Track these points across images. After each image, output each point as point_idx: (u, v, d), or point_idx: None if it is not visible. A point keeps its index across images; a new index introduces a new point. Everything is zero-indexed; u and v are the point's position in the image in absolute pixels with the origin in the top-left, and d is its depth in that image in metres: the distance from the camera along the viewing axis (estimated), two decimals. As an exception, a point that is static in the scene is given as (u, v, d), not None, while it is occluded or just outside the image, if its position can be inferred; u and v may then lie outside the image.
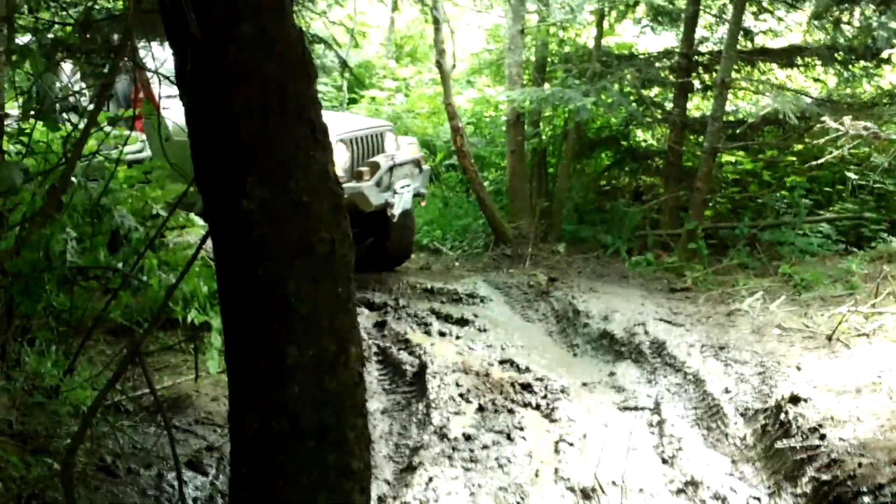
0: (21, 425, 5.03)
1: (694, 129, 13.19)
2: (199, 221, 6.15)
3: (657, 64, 13.37)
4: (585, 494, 5.57)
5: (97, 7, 5.10)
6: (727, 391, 6.98)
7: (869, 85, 13.03)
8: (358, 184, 9.36)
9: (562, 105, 12.74)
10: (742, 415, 6.62)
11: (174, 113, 6.23)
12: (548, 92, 12.45)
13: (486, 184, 13.89)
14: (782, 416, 6.13)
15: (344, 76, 13.09)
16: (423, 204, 11.33)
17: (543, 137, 14.63)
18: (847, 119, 8.52)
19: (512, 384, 7.29)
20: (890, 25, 10.72)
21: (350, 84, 16.77)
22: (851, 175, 12.77)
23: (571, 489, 5.61)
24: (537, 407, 6.97)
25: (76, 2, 5.53)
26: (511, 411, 6.81)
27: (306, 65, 3.22)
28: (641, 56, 13.80)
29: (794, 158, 13.46)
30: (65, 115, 5.22)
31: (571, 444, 6.29)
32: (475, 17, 17.45)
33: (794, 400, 6.22)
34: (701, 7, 12.86)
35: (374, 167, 9.54)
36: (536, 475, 5.82)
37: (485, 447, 6.14)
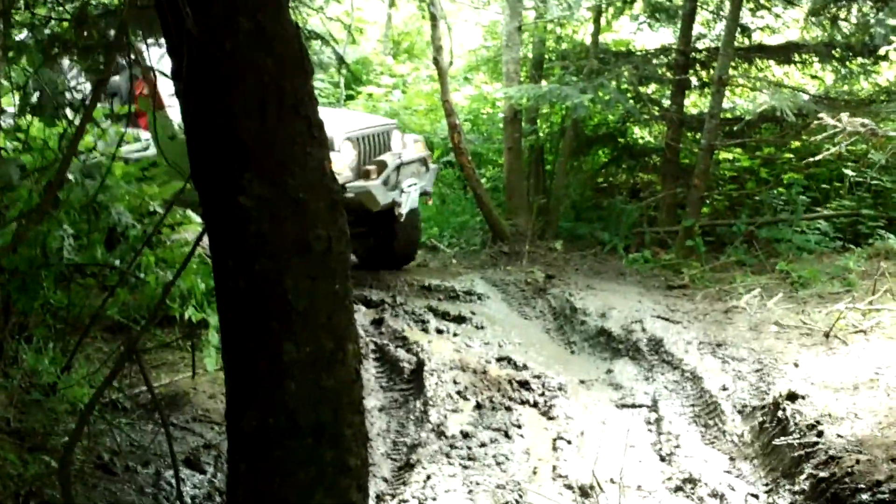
0: (18, 423, 5.03)
1: (691, 126, 13.18)
2: (197, 218, 6.14)
3: (654, 61, 13.36)
4: (583, 492, 5.57)
5: (93, 3, 5.08)
6: (725, 388, 6.98)
7: (866, 82, 13.03)
8: (365, 183, 9.32)
9: (559, 102, 12.71)
10: (740, 412, 6.62)
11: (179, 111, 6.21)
12: (545, 89, 12.44)
13: (483, 181, 13.87)
14: (780, 413, 6.14)
15: (341, 73, 13.03)
16: (429, 203, 11.29)
17: (541, 134, 14.62)
18: (844, 116, 8.51)
19: (509, 381, 7.28)
20: (887, 22, 10.72)
21: (347, 81, 16.73)
22: (849, 172, 12.77)
23: (569, 487, 5.61)
24: (535, 404, 6.97)
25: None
26: (509, 409, 6.81)
27: (303, 61, 3.21)
28: (639, 53, 13.79)
29: (791, 155, 13.46)
30: (61, 111, 5.21)
31: (569, 442, 6.29)
32: (472, 13, 17.43)
33: (792, 397, 6.22)
34: (698, 4, 12.86)
35: (382, 166, 9.51)
36: (534, 473, 5.82)
37: (482, 445, 6.14)
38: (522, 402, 6.99)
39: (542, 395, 7.11)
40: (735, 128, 12.77)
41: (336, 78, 16.09)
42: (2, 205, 5.28)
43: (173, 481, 4.69)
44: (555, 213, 13.67)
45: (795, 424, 5.89)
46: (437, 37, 12.54)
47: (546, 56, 14.52)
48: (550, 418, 6.74)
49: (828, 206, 12.65)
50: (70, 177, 5.09)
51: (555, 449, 6.20)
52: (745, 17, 12.73)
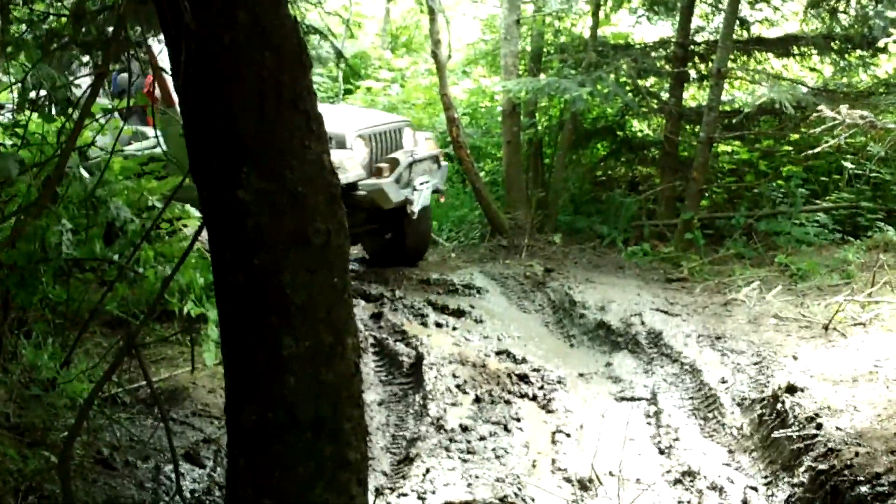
0: (18, 418, 5.03)
1: (690, 118, 13.17)
2: (195, 213, 6.14)
3: (653, 54, 13.35)
4: (582, 485, 5.57)
5: (91, -2, 5.07)
6: (724, 381, 6.98)
7: (865, 74, 13.02)
8: (377, 180, 9.28)
9: (558, 95, 12.70)
10: (739, 405, 6.63)
11: None
12: (544, 82, 12.42)
13: (482, 174, 13.86)
14: (779, 405, 6.14)
15: (339, 67, 13.06)
16: (442, 200, 11.25)
17: (539, 128, 14.60)
18: (843, 108, 8.51)
19: (509, 375, 7.29)
20: (886, 14, 10.70)
21: (346, 75, 16.74)
22: (848, 164, 12.76)
23: (568, 480, 5.62)
24: (534, 398, 6.97)
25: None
26: (508, 402, 6.81)
27: (301, 55, 3.21)
28: (637, 46, 13.78)
29: (790, 148, 13.45)
30: (59, 107, 5.21)
31: (568, 435, 6.29)
32: (471, 6, 17.43)
33: (791, 389, 6.22)
34: (697, -4, 12.86)
35: (394, 163, 9.48)
36: (533, 466, 5.83)
37: (482, 438, 6.14)
38: (522, 396, 6.99)
39: (542, 388, 7.11)
40: (734, 120, 12.76)
41: (334, 72, 16.10)
42: (0, 200, 5.28)
43: (173, 476, 4.70)
44: (553, 206, 13.66)
45: (794, 417, 5.89)
46: (435, 30, 12.53)
47: (544, 49, 14.51)
48: (549, 412, 6.74)
49: (827, 198, 12.64)
50: (69, 171, 5.09)
51: (554, 442, 6.20)
52: (744, 9, 12.72)
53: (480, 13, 17.32)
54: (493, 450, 5.97)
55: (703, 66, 13.18)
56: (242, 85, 3.10)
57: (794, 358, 7.16)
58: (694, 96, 14.57)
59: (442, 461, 5.72)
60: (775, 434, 5.91)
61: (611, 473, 5.69)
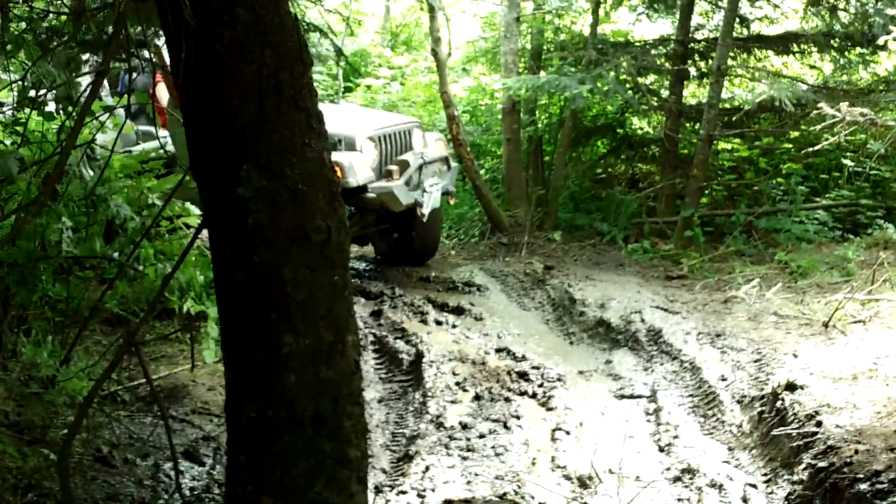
0: (17, 416, 5.03)
1: (690, 116, 13.18)
2: (195, 210, 6.14)
3: (653, 51, 13.35)
4: (582, 482, 5.57)
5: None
6: (723, 379, 6.98)
7: (865, 72, 13.03)
8: (387, 183, 9.22)
9: (557, 93, 12.71)
10: (738, 402, 6.63)
11: None
12: (543, 80, 12.42)
13: (481, 172, 13.86)
14: (779, 403, 6.14)
15: (339, 65, 13.04)
16: (452, 202, 11.17)
17: (539, 125, 14.61)
18: (843, 106, 8.51)
19: (508, 373, 7.29)
20: (886, 12, 10.70)
21: (345, 72, 16.72)
22: (848, 162, 12.77)
23: (568, 477, 5.62)
24: (534, 395, 6.97)
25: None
26: (507, 400, 6.81)
27: (301, 52, 3.21)
28: (637, 43, 13.78)
29: (790, 145, 13.46)
30: (60, 105, 5.21)
31: (568, 433, 6.29)
32: (471, 4, 17.43)
33: (791, 387, 6.22)
34: (696, -6, 12.87)
35: (404, 166, 9.42)
36: (533, 463, 5.83)
37: (481, 436, 6.14)
38: (521, 393, 7.00)
39: (541, 385, 7.11)
40: (734, 118, 12.78)
41: (334, 70, 16.08)
42: (0, 198, 5.28)
43: (172, 474, 4.70)
44: (553, 203, 13.66)
45: (794, 414, 5.89)
46: (435, 28, 12.53)
47: (545, 47, 14.52)
48: (549, 409, 6.74)
49: (827, 195, 12.64)
50: (68, 169, 5.09)
51: (554, 440, 6.20)
52: (744, 7, 12.73)
53: (480, 11, 17.33)
54: (493, 447, 5.97)
55: (702, 64, 13.19)
56: (243, 83, 3.09)
57: (794, 355, 7.16)
58: (694, 94, 14.57)
59: (441, 459, 5.73)
60: (775, 431, 5.91)
61: (610, 471, 5.69)
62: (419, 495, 5.26)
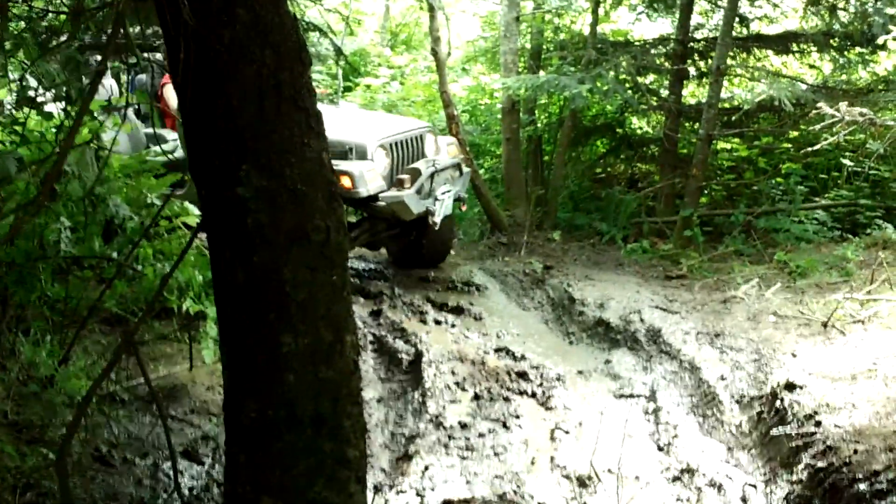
0: (16, 415, 5.03)
1: (689, 116, 13.17)
2: (195, 210, 6.13)
3: (653, 51, 13.34)
4: (581, 482, 5.58)
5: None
6: (723, 378, 6.98)
7: (864, 71, 13.02)
8: (398, 192, 9.06)
9: (557, 92, 12.70)
10: (738, 402, 6.63)
11: None
12: (543, 79, 12.40)
13: (481, 172, 13.85)
14: (778, 403, 6.14)
15: (339, 64, 13.02)
16: (464, 208, 11.06)
17: (539, 125, 14.61)
18: (843, 105, 8.50)
19: (508, 372, 7.29)
20: (886, 11, 10.70)
21: (345, 72, 16.71)
22: (847, 162, 12.77)
23: (567, 477, 5.62)
24: (533, 395, 6.98)
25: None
26: (507, 399, 6.81)
27: (301, 52, 3.21)
28: (637, 43, 13.77)
29: (789, 145, 13.45)
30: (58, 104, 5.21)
31: (567, 432, 6.30)
32: (470, 4, 17.42)
33: (790, 387, 6.23)
34: (696, -7, 12.86)
35: (415, 174, 9.26)
36: (532, 463, 5.83)
37: (481, 435, 6.15)
38: (521, 393, 7.00)
39: (541, 385, 7.12)
40: (733, 118, 12.77)
41: (334, 69, 16.08)
42: (-1, 198, 5.28)
43: (171, 473, 4.70)
44: (553, 203, 13.66)
45: (793, 414, 5.90)
46: (435, 28, 12.51)
47: (544, 46, 14.51)
48: (549, 409, 6.75)
49: (826, 195, 12.63)
50: (67, 169, 5.09)
51: (553, 439, 6.21)
52: (744, 6, 12.71)
53: (480, 10, 17.31)
54: (492, 447, 5.98)
55: (702, 64, 13.18)
56: (242, 83, 3.09)
57: (793, 355, 7.16)
58: (693, 93, 14.57)
59: (441, 458, 5.73)
60: (774, 431, 5.92)
61: (610, 471, 5.69)
62: (418, 495, 5.27)
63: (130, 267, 5.61)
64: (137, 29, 4.47)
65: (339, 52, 9.17)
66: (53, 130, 5.31)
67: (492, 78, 16.10)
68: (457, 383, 6.96)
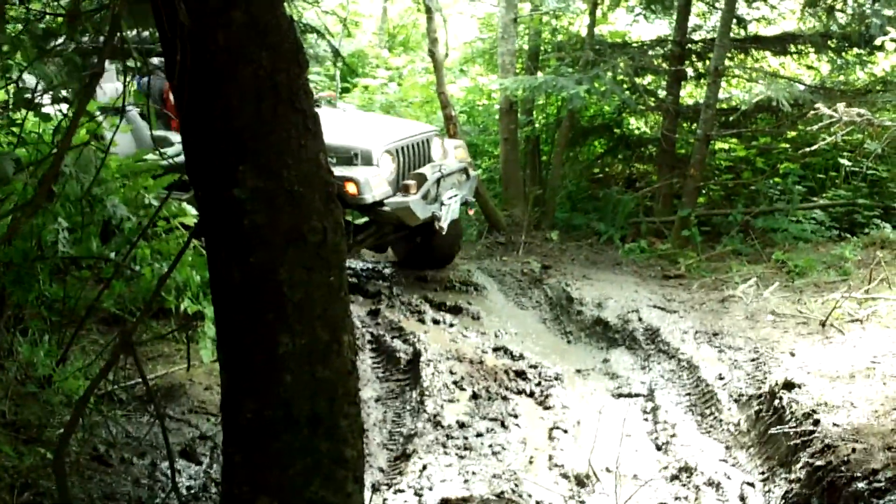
0: (14, 415, 5.04)
1: (687, 116, 13.17)
2: (192, 210, 6.13)
3: (650, 52, 13.34)
4: (579, 481, 5.58)
5: (87, -4, 5.07)
6: (721, 377, 6.99)
7: (862, 72, 13.03)
8: (404, 198, 9.01)
9: (555, 93, 12.72)
10: (736, 401, 6.64)
11: None
12: (541, 80, 12.41)
13: (479, 172, 13.85)
14: (776, 401, 6.15)
15: (336, 65, 13.04)
16: (471, 213, 10.97)
17: (536, 125, 14.61)
18: (841, 106, 8.51)
19: (506, 371, 7.30)
20: (883, 13, 10.71)
21: (343, 73, 16.72)
22: (845, 162, 12.77)
23: (565, 476, 5.63)
24: (531, 394, 6.98)
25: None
26: (505, 399, 6.82)
27: (298, 54, 3.21)
28: (634, 44, 13.77)
29: (787, 145, 13.45)
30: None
31: (565, 431, 6.31)
32: (468, 5, 17.41)
33: (788, 386, 6.23)
34: (694, -6, 12.87)
35: (421, 180, 9.21)
36: (530, 462, 5.84)
37: (479, 434, 6.15)
38: (519, 392, 7.01)
39: (539, 384, 7.12)
40: (731, 118, 12.78)
41: (332, 71, 16.08)
42: (-3, 199, 5.28)
43: (169, 472, 4.70)
44: (551, 203, 13.66)
45: (791, 413, 5.90)
46: (432, 29, 12.52)
47: (542, 48, 14.51)
48: (547, 408, 6.76)
49: (824, 195, 12.64)
50: (65, 170, 5.09)
51: (551, 438, 6.22)
52: (741, 7, 12.71)
53: (477, 12, 17.30)
54: (490, 446, 5.99)
55: (700, 64, 13.18)
56: (239, 84, 3.10)
57: (792, 354, 7.17)
58: (691, 94, 14.57)
59: (439, 457, 5.74)
60: (772, 430, 5.92)
61: (608, 469, 5.70)
62: (416, 494, 5.27)
63: (128, 267, 5.62)
64: (134, 32, 4.47)
65: (336, 53, 9.17)
66: (51, 131, 5.31)
67: (489, 79, 16.11)
68: (455, 382, 6.96)
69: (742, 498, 5.44)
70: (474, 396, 6.79)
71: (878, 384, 6.17)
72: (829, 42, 12.27)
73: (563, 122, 13.74)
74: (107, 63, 4.24)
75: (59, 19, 4.82)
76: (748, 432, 6.23)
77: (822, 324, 7.81)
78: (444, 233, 9.43)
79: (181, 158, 3.29)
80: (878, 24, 10.57)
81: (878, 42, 10.75)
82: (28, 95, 4.97)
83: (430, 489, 5.32)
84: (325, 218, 3.25)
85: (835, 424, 5.56)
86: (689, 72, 13.18)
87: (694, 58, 13.13)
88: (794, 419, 5.83)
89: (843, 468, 5.08)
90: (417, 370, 7.13)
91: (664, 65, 13.11)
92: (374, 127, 9.87)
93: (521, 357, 7.72)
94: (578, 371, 7.66)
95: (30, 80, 5.17)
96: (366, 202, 8.53)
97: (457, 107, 14.85)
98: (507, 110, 13.48)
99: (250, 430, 3.27)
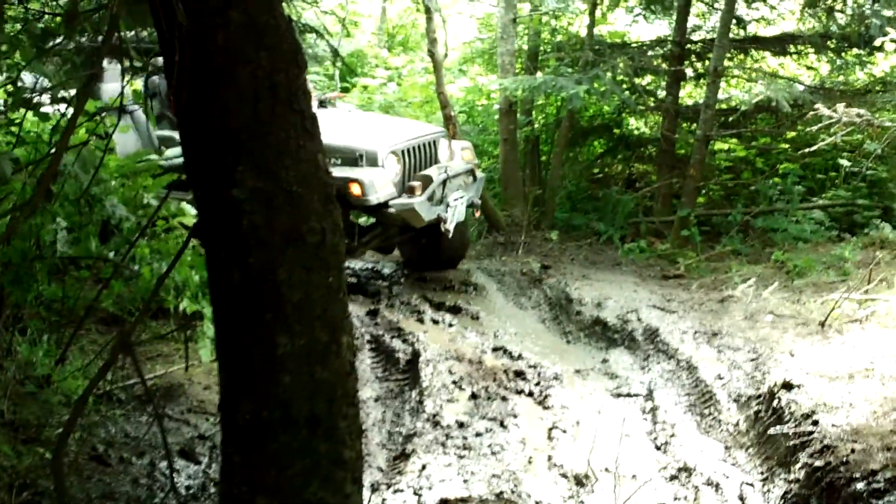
0: (13, 415, 5.04)
1: (687, 116, 13.19)
2: (192, 210, 6.13)
3: (650, 52, 13.36)
4: (578, 481, 5.58)
5: (86, -4, 5.07)
6: (720, 378, 6.99)
7: (862, 72, 13.05)
8: (409, 199, 8.96)
9: (554, 93, 12.73)
10: (735, 401, 6.64)
11: None
12: (540, 80, 12.42)
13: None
14: (775, 402, 6.15)
15: (336, 65, 13.05)
16: (478, 214, 10.94)
17: (536, 126, 14.63)
18: (840, 106, 8.52)
19: (505, 371, 7.30)
20: (883, 13, 10.73)
21: (342, 73, 16.73)
22: (844, 162, 12.79)
23: (564, 476, 5.63)
24: (530, 394, 6.98)
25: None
26: (504, 398, 6.82)
27: (296, 54, 3.21)
28: (634, 44, 13.79)
29: (786, 146, 13.47)
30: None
31: (564, 431, 6.30)
32: (467, 5, 17.43)
33: (787, 386, 6.23)
34: (693, -5, 12.88)
35: (427, 181, 9.15)
36: (530, 462, 5.83)
37: (478, 434, 6.15)
38: (518, 392, 7.00)
39: (538, 384, 7.12)
40: (731, 118, 12.80)
41: (331, 71, 16.10)
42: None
43: (168, 472, 4.70)
44: (550, 203, 13.68)
45: (791, 413, 5.90)
46: (431, 29, 12.52)
47: (541, 48, 14.53)
48: (546, 408, 6.75)
49: (823, 195, 12.65)
50: (63, 169, 5.09)
51: (550, 438, 6.21)
52: (741, 8, 12.73)
53: (477, 12, 17.31)
54: (490, 446, 5.98)
55: (699, 65, 13.20)
56: (237, 85, 3.09)
57: (791, 354, 7.17)
58: (691, 94, 14.59)
59: (438, 457, 5.74)
60: (771, 430, 5.92)
61: (607, 469, 5.70)
62: (415, 494, 5.27)
63: (127, 267, 5.62)
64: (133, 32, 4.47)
65: (335, 53, 9.16)
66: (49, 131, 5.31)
67: (489, 79, 16.11)
68: (454, 382, 6.96)
69: (741, 498, 5.44)
70: (473, 396, 6.79)
71: (877, 385, 6.17)
72: (828, 42, 12.30)
73: (562, 122, 13.76)
74: (111, 63, 4.25)
75: (58, 19, 4.82)
76: (747, 432, 6.22)
77: (822, 324, 7.81)
78: (450, 235, 9.40)
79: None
80: (877, 25, 10.59)
81: (877, 43, 10.74)
82: (27, 95, 4.97)
83: (430, 489, 5.32)
84: (324, 218, 3.25)
85: (834, 425, 5.56)
86: (689, 72, 13.21)
87: (693, 58, 13.16)
88: (793, 419, 5.83)
89: (842, 469, 5.08)
90: (417, 370, 7.12)
91: (664, 65, 13.13)
92: (380, 128, 9.86)
93: (521, 357, 7.71)
94: (578, 371, 7.66)
95: (28, 79, 5.17)
96: (370, 203, 8.52)
97: (456, 107, 14.86)
98: (506, 110, 13.48)
99: (248, 430, 3.27)
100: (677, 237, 11.89)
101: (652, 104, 13.53)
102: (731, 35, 11.99)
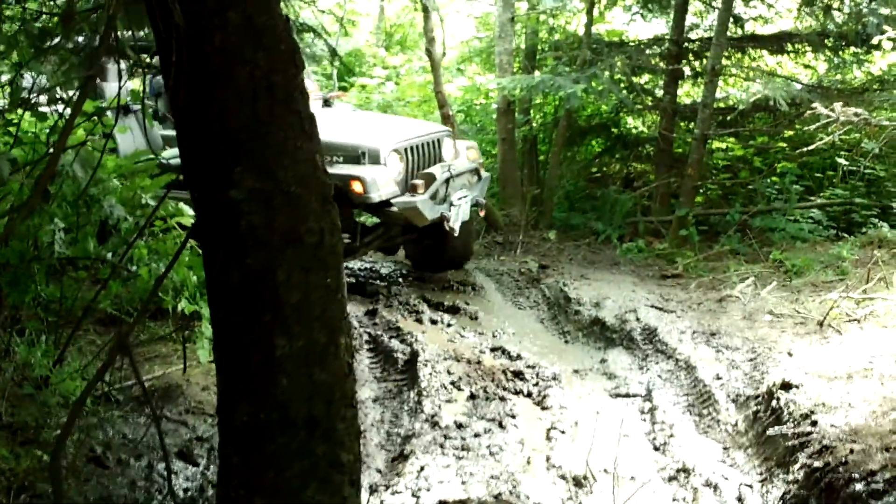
0: (10, 416, 5.03)
1: (685, 115, 13.19)
2: (190, 211, 6.12)
3: (647, 51, 13.36)
4: (577, 482, 5.57)
5: (83, -4, 5.06)
6: (719, 377, 6.98)
7: (859, 71, 13.05)
8: (411, 197, 8.93)
9: (552, 92, 12.73)
10: (734, 401, 6.63)
11: None
12: (538, 79, 12.43)
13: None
14: (774, 402, 6.14)
15: (333, 65, 13.02)
16: (482, 214, 10.91)
17: (534, 125, 14.63)
18: (838, 105, 8.52)
19: (503, 372, 7.29)
20: (880, 12, 10.73)
21: (340, 72, 16.73)
22: (842, 161, 12.80)
23: (563, 477, 5.62)
24: (529, 394, 6.97)
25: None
26: (503, 399, 6.81)
27: (294, 55, 3.20)
28: (632, 43, 13.79)
29: (784, 145, 13.48)
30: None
31: (563, 432, 6.29)
32: (465, 4, 17.44)
33: (786, 386, 6.22)
34: (691, -7, 12.88)
35: (430, 179, 9.11)
36: (528, 463, 5.82)
37: (476, 435, 6.14)
38: (516, 393, 6.99)
39: (536, 384, 7.11)
40: (728, 117, 12.80)
41: (329, 70, 16.09)
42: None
43: (166, 474, 4.69)
44: (548, 203, 13.68)
45: (789, 414, 5.89)
46: (429, 28, 12.53)
47: (539, 47, 14.54)
48: (544, 408, 6.74)
49: (821, 194, 12.66)
50: (61, 170, 5.08)
51: (549, 439, 6.20)
52: (738, 6, 12.73)
53: (475, 11, 17.34)
54: (488, 447, 5.97)
55: (697, 64, 13.20)
56: (235, 85, 3.08)
57: (789, 354, 7.17)
58: (688, 93, 14.59)
59: (436, 458, 5.72)
60: (770, 431, 5.91)
61: (605, 470, 5.69)
62: (414, 495, 5.26)
63: (125, 268, 5.61)
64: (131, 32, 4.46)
65: (333, 52, 9.15)
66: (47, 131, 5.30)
67: (487, 78, 16.13)
68: (452, 383, 6.95)
69: (740, 499, 5.43)
70: (472, 397, 6.78)
71: (876, 384, 6.16)
72: (825, 41, 12.30)
73: (560, 121, 13.76)
74: (111, 63, 4.24)
75: (56, 19, 4.81)
76: (746, 433, 6.22)
77: (820, 324, 7.81)
78: (455, 234, 9.38)
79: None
80: (874, 23, 10.60)
81: (874, 41, 10.75)
82: (24, 95, 4.96)
83: (428, 490, 5.31)
84: (322, 219, 3.24)
85: (833, 425, 5.55)
86: (687, 71, 13.20)
87: (691, 57, 13.16)
88: (791, 420, 5.83)
89: (840, 469, 5.07)
90: (415, 370, 7.11)
91: (661, 64, 13.13)
92: (383, 126, 9.84)
93: (519, 357, 7.71)
94: (576, 371, 7.65)
95: (26, 79, 5.16)
96: (372, 201, 8.51)
97: (454, 106, 14.86)
98: (504, 110, 13.49)
99: (246, 432, 3.26)
100: (675, 237, 11.90)
101: (650, 103, 13.53)
102: (728, 34, 11.99)
